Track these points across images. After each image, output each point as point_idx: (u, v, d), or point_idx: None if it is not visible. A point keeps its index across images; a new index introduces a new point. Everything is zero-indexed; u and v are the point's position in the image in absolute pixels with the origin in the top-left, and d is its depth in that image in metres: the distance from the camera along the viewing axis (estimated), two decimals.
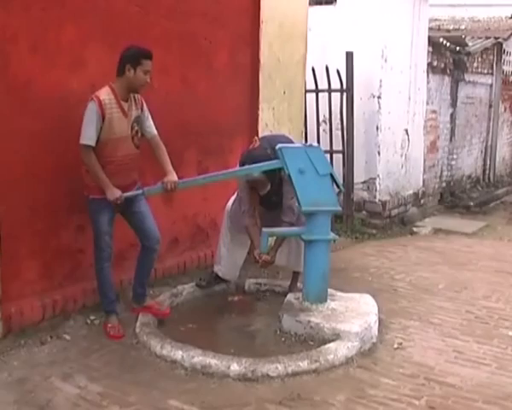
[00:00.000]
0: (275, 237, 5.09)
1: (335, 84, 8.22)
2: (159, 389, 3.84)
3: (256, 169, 4.79)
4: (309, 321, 4.57)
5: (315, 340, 4.47)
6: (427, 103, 10.31)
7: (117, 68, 4.38)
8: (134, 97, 4.51)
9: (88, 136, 4.30)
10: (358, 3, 8.62)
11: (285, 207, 5.01)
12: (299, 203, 4.73)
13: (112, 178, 4.38)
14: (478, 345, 4.65)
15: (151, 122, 4.63)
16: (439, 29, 13.38)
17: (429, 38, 10.03)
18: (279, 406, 3.68)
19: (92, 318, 4.80)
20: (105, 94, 4.34)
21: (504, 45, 13.23)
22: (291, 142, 5.16)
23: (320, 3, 8.98)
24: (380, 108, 8.69)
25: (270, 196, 5.06)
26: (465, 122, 12.29)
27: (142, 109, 4.56)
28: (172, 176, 4.53)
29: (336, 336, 4.42)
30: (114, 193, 4.37)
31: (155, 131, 4.64)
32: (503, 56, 13.37)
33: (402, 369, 4.21)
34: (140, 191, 4.59)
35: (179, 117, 5.57)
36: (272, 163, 4.75)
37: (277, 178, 4.92)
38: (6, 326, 4.36)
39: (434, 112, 10.88)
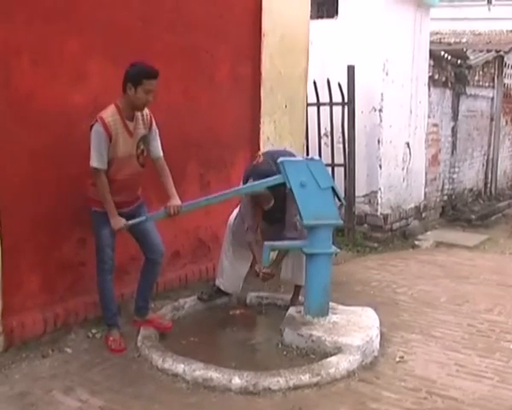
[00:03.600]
0: (277, 251, 5.09)
1: (337, 98, 8.24)
2: (160, 402, 3.83)
3: (259, 186, 4.79)
4: (310, 335, 4.57)
5: (316, 353, 4.47)
6: (429, 117, 10.33)
7: (122, 85, 4.35)
8: (142, 115, 4.46)
9: (97, 158, 4.28)
10: (360, 17, 8.65)
11: (288, 225, 4.99)
12: (300, 217, 4.73)
13: (115, 195, 4.38)
14: (480, 358, 4.64)
15: (158, 143, 4.58)
16: (440, 42, 13.43)
17: (430, 51, 10.06)
18: None
19: (94, 331, 4.79)
20: (109, 115, 4.30)
21: (506, 58, 13.24)
22: (293, 156, 5.15)
23: (321, 17, 9.05)
24: (381, 121, 8.70)
25: (273, 212, 5.06)
26: (466, 135, 12.27)
27: (150, 128, 4.52)
28: (176, 200, 4.53)
29: (338, 350, 4.41)
30: (118, 223, 4.40)
31: (161, 153, 4.59)
32: (505, 70, 13.38)
33: (404, 382, 4.20)
34: (144, 218, 4.58)
35: (181, 130, 5.59)
36: (275, 179, 4.74)
37: (282, 194, 4.89)
38: (8, 340, 4.35)
39: (436, 125, 10.87)
